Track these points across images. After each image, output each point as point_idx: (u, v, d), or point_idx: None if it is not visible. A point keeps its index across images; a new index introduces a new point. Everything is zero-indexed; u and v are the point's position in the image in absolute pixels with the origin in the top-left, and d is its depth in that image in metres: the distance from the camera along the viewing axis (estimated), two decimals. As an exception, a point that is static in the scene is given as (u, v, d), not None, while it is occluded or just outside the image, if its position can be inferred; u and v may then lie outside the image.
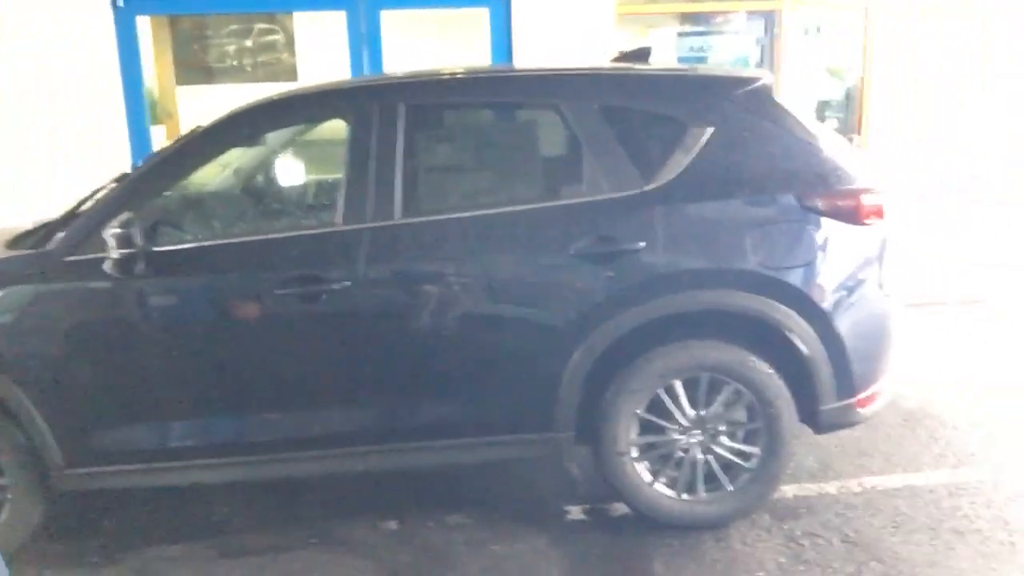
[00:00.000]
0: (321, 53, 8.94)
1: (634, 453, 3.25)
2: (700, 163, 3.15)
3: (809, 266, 3.12)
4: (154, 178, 3.17)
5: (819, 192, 3.13)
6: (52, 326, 3.11)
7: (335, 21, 7.85)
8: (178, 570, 3.27)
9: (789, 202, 3.12)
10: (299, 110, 3.31)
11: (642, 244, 3.07)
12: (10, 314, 3.09)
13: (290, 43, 10.14)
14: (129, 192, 3.15)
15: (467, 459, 3.31)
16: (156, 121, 7.08)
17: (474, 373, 3.17)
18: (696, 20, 6.51)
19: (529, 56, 5.90)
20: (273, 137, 3.47)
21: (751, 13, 6.54)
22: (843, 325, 3.16)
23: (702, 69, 3.56)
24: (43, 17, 5.61)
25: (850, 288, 3.18)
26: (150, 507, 3.70)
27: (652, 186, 3.13)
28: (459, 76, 3.37)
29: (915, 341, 5.37)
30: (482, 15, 5.95)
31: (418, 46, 6.61)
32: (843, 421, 3.30)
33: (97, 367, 3.13)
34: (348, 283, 3.06)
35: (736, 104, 3.22)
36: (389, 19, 5.99)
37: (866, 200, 3.15)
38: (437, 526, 3.47)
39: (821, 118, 7.14)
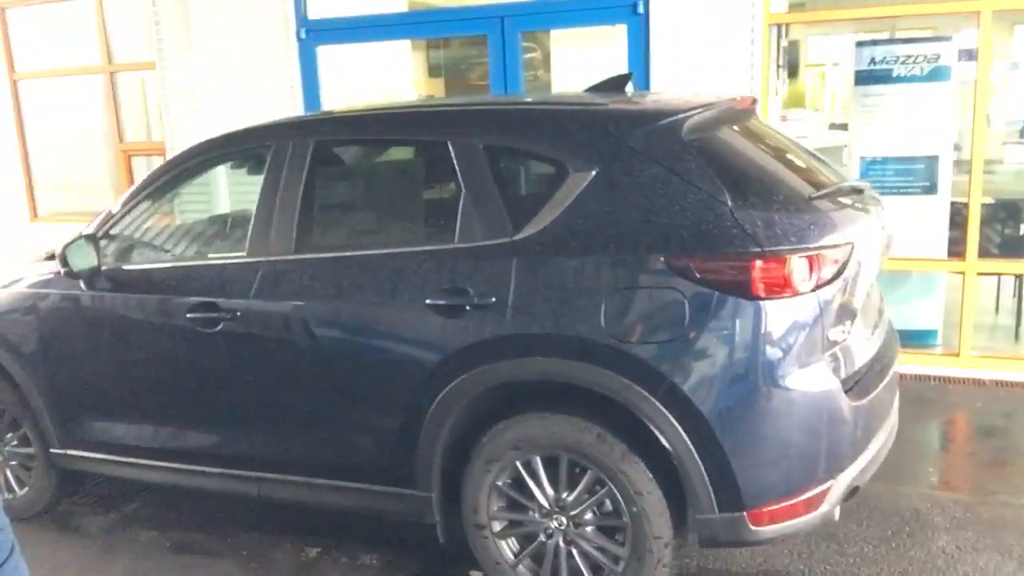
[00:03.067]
0: (574, 70, 9.15)
1: (496, 527, 2.95)
2: (573, 213, 2.75)
3: (674, 343, 2.57)
4: (121, 206, 3.57)
5: (695, 255, 2.56)
6: (45, 325, 3.65)
7: (588, 38, 7.94)
8: (133, 548, 3.69)
9: (657, 264, 2.59)
10: (235, 145, 3.48)
11: (493, 300, 2.77)
12: (19, 312, 3.69)
13: (547, 60, 10.48)
14: (101, 218, 3.58)
15: (332, 501, 3.24)
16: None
17: (337, 414, 3.12)
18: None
19: (666, 73, 5.47)
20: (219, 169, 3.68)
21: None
22: (721, 420, 2.55)
23: (619, 103, 3.05)
24: (232, 46, 6.47)
25: (735, 376, 2.55)
26: (166, 497, 4.15)
27: (519, 236, 2.80)
28: (361, 113, 3.30)
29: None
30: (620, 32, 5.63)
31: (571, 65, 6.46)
32: (730, 538, 2.66)
33: (70, 365, 3.62)
34: (238, 313, 3.18)
35: (627, 145, 2.75)
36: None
37: (761, 270, 2.50)
38: (348, 562, 3.47)
39: None
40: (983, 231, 5.23)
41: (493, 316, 2.77)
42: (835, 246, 2.62)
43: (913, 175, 5.35)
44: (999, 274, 5.86)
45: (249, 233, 3.25)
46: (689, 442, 2.58)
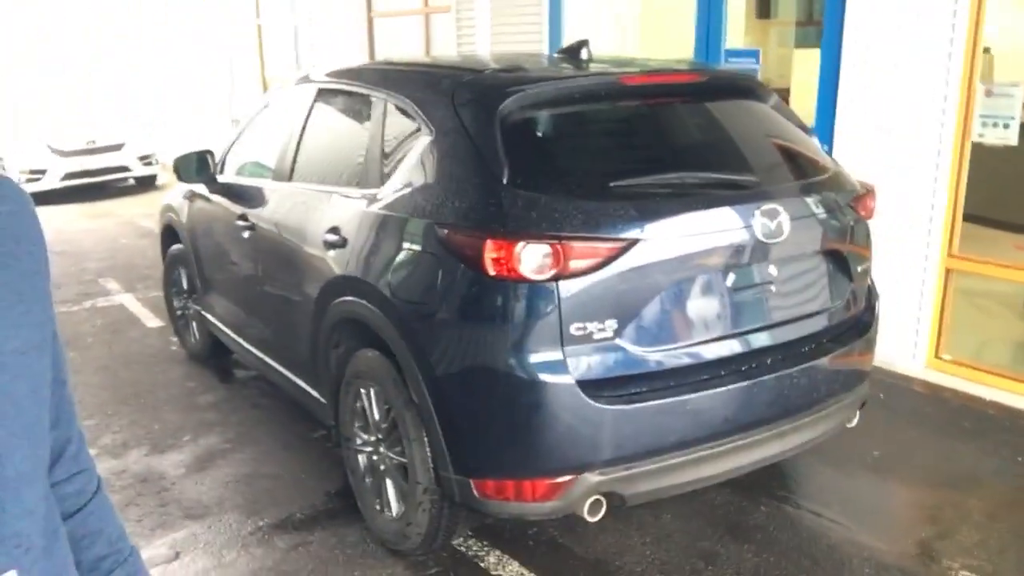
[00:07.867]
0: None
1: (358, 442, 3.36)
2: (409, 173, 2.98)
3: (425, 306, 2.71)
4: (237, 131, 4.55)
5: (452, 227, 2.65)
6: (192, 215, 4.83)
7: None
8: (238, 392, 4.79)
9: (428, 231, 2.73)
10: (300, 86, 4.14)
11: (347, 243, 3.15)
12: (186, 202, 4.91)
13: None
14: (229, 142, 4.60)
15: (289, 392, 3.89)
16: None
17: (288, 320, 3.74)
18: None
19: (863, 30, 4.83)
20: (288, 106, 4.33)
21: None
22: (449, 386, 2.68)
23: (503, 71, 3.01)
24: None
25: (462, 348, 2.64)
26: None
27: (381, 188, 3.11)
28: (345, 69, 3.72)
29: None
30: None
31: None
32: (463, 501, 2.75)
33: (199, 245, 4.77)
34: (254, 225, 3.96)
35: (456, 114, 2.86)
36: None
37: (491, 249, 2.51)
38: (330, 448, 4.13)
39: None
40: None
41: (344, 257, 3.15)
42: (591, 238, 2.50)
43: None
44: None
45: (276, 161, 3.98)
46: (429, 400, 2.73)
